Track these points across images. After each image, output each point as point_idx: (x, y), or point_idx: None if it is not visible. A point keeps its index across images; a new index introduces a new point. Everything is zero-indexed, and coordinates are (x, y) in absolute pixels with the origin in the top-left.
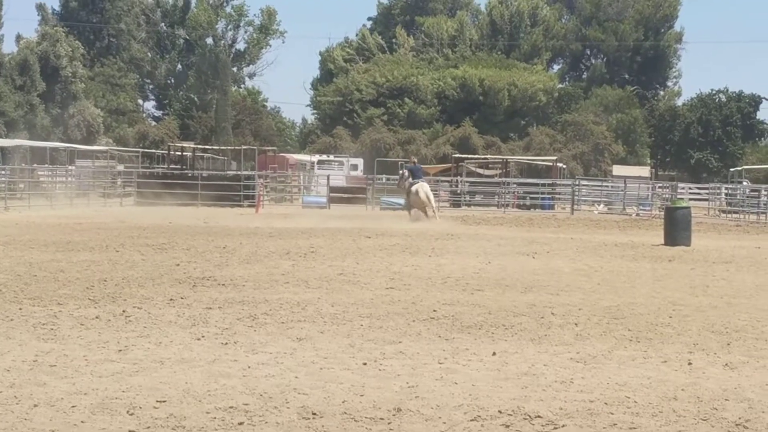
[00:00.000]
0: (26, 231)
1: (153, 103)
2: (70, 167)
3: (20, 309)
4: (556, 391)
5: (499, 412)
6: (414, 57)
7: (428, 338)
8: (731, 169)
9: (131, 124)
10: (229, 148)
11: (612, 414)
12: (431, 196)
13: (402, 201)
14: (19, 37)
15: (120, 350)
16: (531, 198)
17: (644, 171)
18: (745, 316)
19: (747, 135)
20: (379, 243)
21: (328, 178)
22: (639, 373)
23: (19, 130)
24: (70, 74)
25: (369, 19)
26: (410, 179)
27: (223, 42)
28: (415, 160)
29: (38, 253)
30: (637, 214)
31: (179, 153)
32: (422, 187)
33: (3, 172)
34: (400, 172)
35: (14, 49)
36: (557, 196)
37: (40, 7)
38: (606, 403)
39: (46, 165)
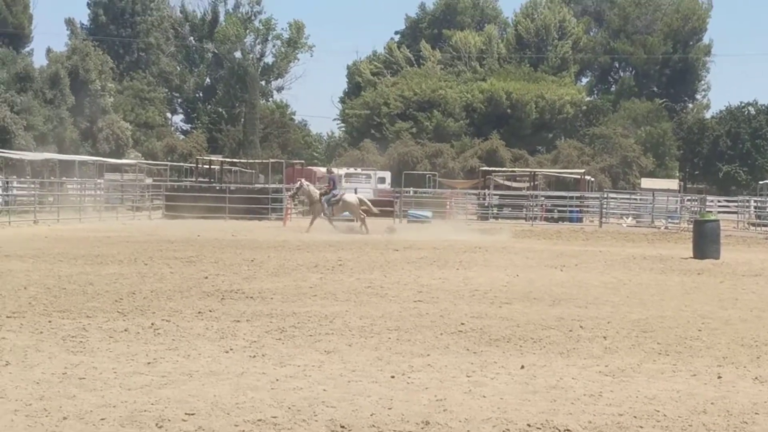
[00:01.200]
0: (55, 244)
1: (181, 116)
2: (98, 180)
3: (50, 322)
4: (584, 404)
5: (528, 425)
6: (442, 70)
7: (456, 351)
8: (760, 182)
9: (160, 137)
10: (256, 161)
11: (641, 428)
12: (366, 200)
13: (427, 214)
14: (49, 51)
15: (149, 363)
16: (559, 211)
17: (673, 184)
18: None
19: None
20: (407, 256)
21: (355, 192)
22: (668, 386)
23: (48, 144)
24: (99, 88)
25: (396, 32)
26: (331, 190)
27: (251, 56)
28: (333, 170)
29: (67, 266)
30: (666, 227)
31: (207, 166)
32: (352, 196)
33: (32, 186)
34: (299, 180)
35: (44, 62)
36: (585, 208)
37: (69, 22)
38: (635, 417)
39: (75, 178)
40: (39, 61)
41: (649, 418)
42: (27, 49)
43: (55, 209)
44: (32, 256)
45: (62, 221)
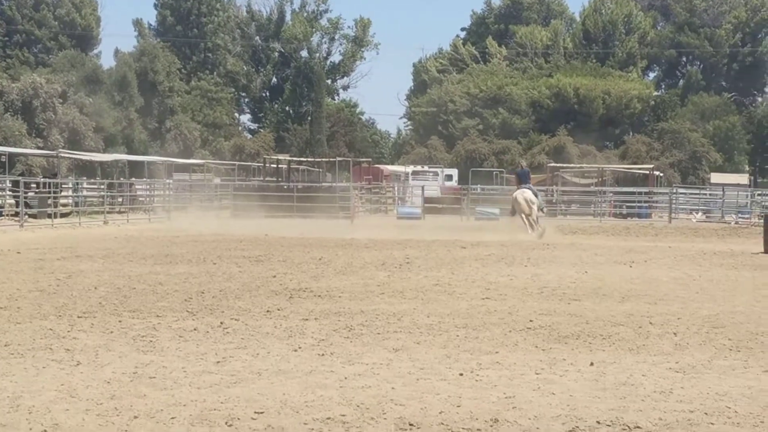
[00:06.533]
0: (125, 244)
1: (249, 116)
2: (167, 181)
3: (120, 321)
4: (655, 401)
5: (598, 422)
6: (508, 66)
7: (525, 348)
8: None
9: (227, 137)
10: (324, 159)
11: (712, 424)
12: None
13: (494, 211)
14: (117, 52)
15: (218, 362)
16: (627, 207)
17: (743, 178)
18: None
19: None
20: (475, 253)
21: (422, 189)
22: (740, 382)
23: (117, 145)
24: (167, 89)
25: (462, 29)
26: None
27: (317, 54)
28: (523, 164)
29: (137, 266)
30: (736, 222)
31: (275, 165)
32: (522, 193)
33: (102, 187)
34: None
35: (112, 63)
36: (654, 204)
37: (137, 23)
38: (706, 414)
39: (144, 179)
40: (107, 61)
41: (720, 414)
42: (95, 50)
43: (124, 210)
44: (102, 256)
45: (132, 221)
